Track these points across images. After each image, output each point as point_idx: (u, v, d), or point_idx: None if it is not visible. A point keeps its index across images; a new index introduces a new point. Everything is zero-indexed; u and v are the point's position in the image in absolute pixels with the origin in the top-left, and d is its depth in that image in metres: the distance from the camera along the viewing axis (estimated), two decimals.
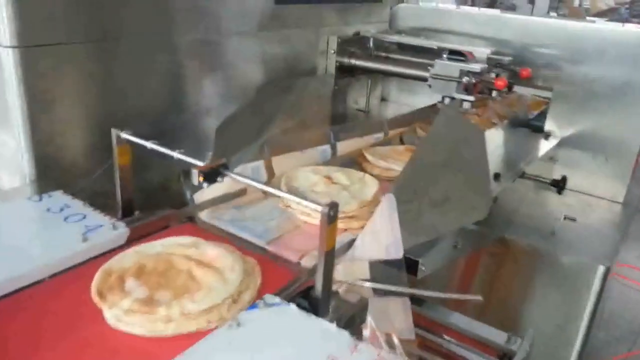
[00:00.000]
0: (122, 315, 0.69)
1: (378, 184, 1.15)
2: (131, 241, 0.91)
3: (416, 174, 0.92)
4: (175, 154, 0.84)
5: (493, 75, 1.54)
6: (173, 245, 0.85)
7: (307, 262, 0.92)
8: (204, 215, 1.04)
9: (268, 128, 1.16)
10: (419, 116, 1.58)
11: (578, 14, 6.15)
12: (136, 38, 1.15)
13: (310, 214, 1.02)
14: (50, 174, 1.06)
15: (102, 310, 0.71)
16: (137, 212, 0.99)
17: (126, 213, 0.97)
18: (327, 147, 1.28)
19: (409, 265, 0.90)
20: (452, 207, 0.90)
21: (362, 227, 0.93)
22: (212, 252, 0.83)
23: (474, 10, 1.91)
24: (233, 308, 0.73)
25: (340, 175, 1.18)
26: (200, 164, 0.78)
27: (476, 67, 1.47)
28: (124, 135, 0.90)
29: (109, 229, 0.89)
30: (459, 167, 0.95)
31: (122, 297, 0.71)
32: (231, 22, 1.34)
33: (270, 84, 1.29)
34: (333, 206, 0.69)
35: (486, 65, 1.50)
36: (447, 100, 1.56)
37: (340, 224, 0.90)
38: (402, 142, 1.53)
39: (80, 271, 0.81)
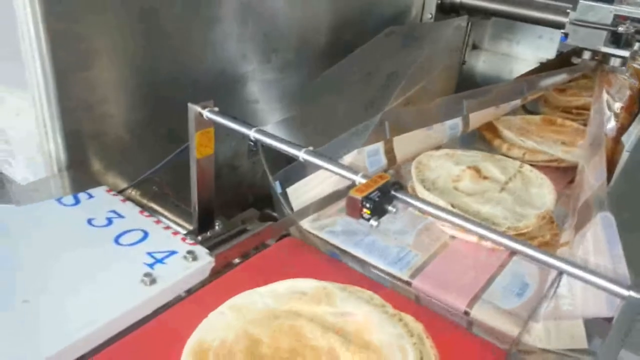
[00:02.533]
0: None
1: (549, 181, 0.81)
2: (215, 273, 0.60)
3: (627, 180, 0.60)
4: (302, 154, 0.51)
5: None
6: (291, 298, 0.53)
7: (478, 313, 0.61)
8: (307, 225, 0.72)
9: (382, 98, 0.81)
10: (547, 76, 1.21)
11: None
12: None
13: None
14: (87, 159, 0.73)
15: None
16: (217, 224, 0.67)
17: (203, 225, 0.66)
18: (457, 121, 0.93)
19: None
20: None
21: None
22: (363, 310, 0.52)
23: None
24: None
25: (490, 165, 0.85)
26: (357, 178, 0.45)
27: (639, 11, 1.09)
28: (210, 115, 0.57)
29: (184, 260, 0.58)
30: None
31: None
32: None
33: (386, 32, 0.93)
34: None
35: None
36: (586, 55, 1.20)
37: None
38: (525, 109, 1.17)
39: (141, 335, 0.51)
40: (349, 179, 0.48)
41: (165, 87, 0.80)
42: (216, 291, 0.59)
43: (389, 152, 0.83)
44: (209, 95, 0.59)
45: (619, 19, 1.12)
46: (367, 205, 0.42)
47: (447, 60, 0.91)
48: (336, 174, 0.50)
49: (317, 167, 0.73)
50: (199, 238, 0.65)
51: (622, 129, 1.08)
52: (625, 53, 1.13)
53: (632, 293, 0.38)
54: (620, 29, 1.11)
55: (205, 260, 0.58)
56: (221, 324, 0.50)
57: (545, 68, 1.29)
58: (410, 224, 0.75)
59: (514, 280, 0.66)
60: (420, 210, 0.48)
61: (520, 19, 1.29)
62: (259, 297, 0.53)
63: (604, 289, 0.39)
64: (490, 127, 1.03)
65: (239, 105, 0.94)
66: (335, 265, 0.65)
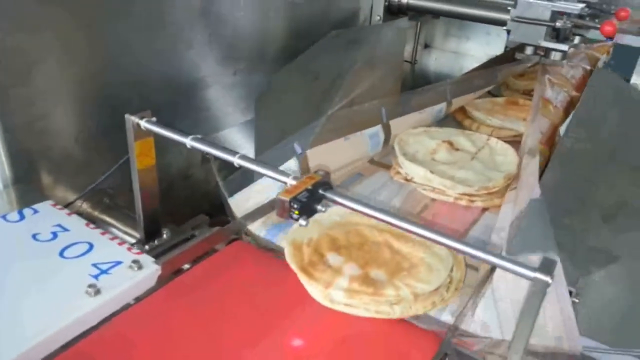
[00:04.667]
0: (342, 296, 0.60)
1: (512, 149, 0.94)
2: (163, 281, 0.61)
3: (573, 168, 0.63)
4: (236, 160, 0.53)
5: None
6: (349, 214, 0.72)
7: None
8: (256, 229, 0.74)
9: (328, 100, 0.84)
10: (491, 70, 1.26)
11: None
12: None
13: (445, 190, 0.84)
14: (32, 173, 0.74)
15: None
16: (165, 232, 0.68)
17: (150, 234, 0.67)
18: (442, 106, 1.04)
19: None
20: (633, 217, 0.61)
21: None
22: None
23: None
24: (451, 287, 0.64)
25: (462, 139, 0.99)
26: (288, 180, 0.47)
27: (575, 7, 1.14)
28: (147, 125, 0.58)
29: (129, 269, 0.59)
30: (631, 155, 0.66)
31: (333, 274, 0.62)
32: None
33: (331, 36, 0.95)
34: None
35: (584, 5, 1.17)
36: (529, 50, 1.24)
37: (479, 203, 0.83)
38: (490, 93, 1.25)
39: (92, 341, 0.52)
40: (280, 181, 0.50)
41: (114, 97, 0.80)
42: (164, 297, 0.61)
43: (387, 134, 0.93)
44: (163, 103, 0.60)
45: (557, 14, 1.17)
46: (295, 205, 0.44)
47: (391, 60, 0.94)
48: (268, 177, 0.51)
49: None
50: (146, 247, 0.66)
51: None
52: (564, 47, 1.18)
53: (537, 275, 0.41)
54: (558, 23, 1.15)
55: (151, 268, 0.59)
56: (306, 230, 0.67)
57: (493, 63, 1.34)
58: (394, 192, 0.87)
59: (486, 231, 0.76)
60: (348, 207, 0.50)
61: (465, 18, 1.34)
62: (328, 215, 0.71)
63: (512, 272, 0.42)
64: (461, 109, 1.16)
65: (195, 112, 0.95)
66: (284, 266, 0.66)
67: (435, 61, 1.71)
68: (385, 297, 0.60)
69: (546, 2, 1.16)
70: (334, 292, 0.60)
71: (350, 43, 0.89)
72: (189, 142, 0.55)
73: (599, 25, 1.13)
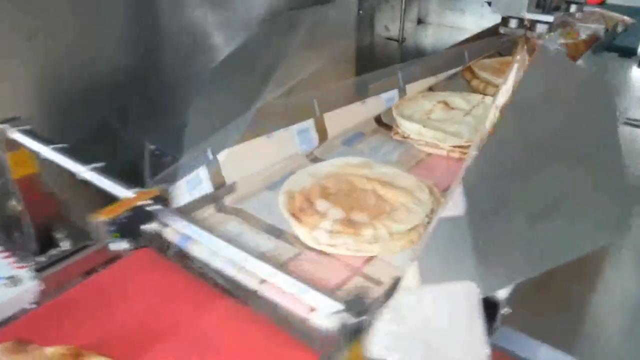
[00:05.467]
0: (326, 236, 0.65)
1: None
2: (49, 295, 0.58)
3: (499, 162, 0.55)
4: (86, 171, 0.48)
5: None
6: (345, 166, 0.80)
7: None
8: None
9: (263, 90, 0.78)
10: (481, 45, 1.16)
11: None
12: None
13: (438, 143, 0.89)
14: None
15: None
16: (61, 244, 0.65)
17: (45, 244, 0.63)
18: (394, 93, 0.97)
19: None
20: (565, 220, 0.53)
21: None
22: (390, 170, 0.79)
23: None
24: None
25: (458, 99, 1.02)
26: (128, 194, 0.42)
27: None
28: (12, 135, 0.54)
29: (3, 286, 0.56)
30: (572, 147, 0.57)
31: (319, 218, 0.68)
32: None
33: (272, 20, 0.88)
34: None
35: None
36: (513, 23, 1.13)
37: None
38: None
39: None
40: (119, 195, 0.45)
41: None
42: (41, 316, 0.57)
43: (322, 131, 0.87)
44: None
45: None
46: (112, 229, 0.40)
47: (340, 43, 0.87)
48: (106, 191, 0.47)
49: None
50: (35, 260, 0.63)
51: None
52: (549, 18, 1.06)
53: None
54: None
55: (29, 284, 0.56)
56: (301, 180, 0.76)
57: (480, 37, 1.23)
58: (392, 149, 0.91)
59: None
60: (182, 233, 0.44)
61: None
62: (323, 166, 0.80)
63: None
64: (469, 69, 1.16)
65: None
66: (187, 280, 0.62)
67: (428, 37, 1.61)
68: (364, 236, 0.65)
69: None
70: (318, 234, 0.66)
71: (292, 27, 0.82)
72: (44, 152, 0.51)
73: None
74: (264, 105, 0.77)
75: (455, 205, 0.56)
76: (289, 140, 0.82)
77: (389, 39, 1.47)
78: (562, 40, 1.27)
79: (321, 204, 0.71)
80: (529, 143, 0.58)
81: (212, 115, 0.77)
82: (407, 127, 0.91)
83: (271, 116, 0.77)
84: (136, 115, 0.92)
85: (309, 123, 0.84)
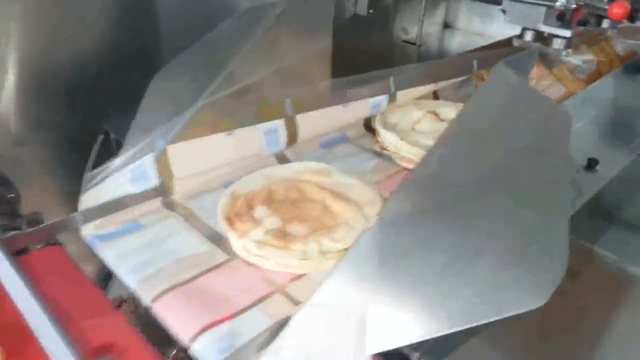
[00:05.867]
0: (254, 246, 0.61)
1: None
2: None
3: (423, 197, 0.49)
4: None
5: None
6: (304, 171, 0.75)
7: None
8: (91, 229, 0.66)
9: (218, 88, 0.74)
10: (493, 54, 1.08)
11: None
12: None
13: (414, 159, 0.81)
14: None
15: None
16: None
17: None
18: (382, 99, 0.90)
19: None
20: (485, 272, 0.46)
21: None
22: (349, 181, 0.73)
23: None
24: None
25: (450, 110, 0.92)
26: None
27: None
28: None
29: None
30: (511, 186, 0.50)
31: (253, 225, 0.63)
32: None
33: (239, 14, 0.84)
34: None
35: None
36: (529, 35, 1.04)
37: None
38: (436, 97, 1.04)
39: None
40: None
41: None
42: None
43: (292, 133, 0.81)
44: None
45: None
46: None
47: (311, 41, 0.81)
48: None
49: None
50: None
51: None
52: (567, 33, 0.97)
53: None
54: (558, 3, 0.95)
55: None
56: (253, 182, 0.71)
57: (495, 47, 1.15)
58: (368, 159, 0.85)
59: None
60: None
61: None
62: (283, 168, 0.76)
63: None
64: (482, 78, 1.05)
65: None
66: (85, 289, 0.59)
67: (451, 43, 1.52)
68: (293, 251, 0.60)
69: None
70: (247, 243, 0.61)
71: (258, 20, 0.77)
72: None
73: (607, 6, 0.92)
74: (216, 100, 0.73)
75: (370, 239, 0.50)
76: (253, 140, 0.77)
77: (406, 42, 1.39)
78: (590, 57, 1.17)
79: (260, 211, 0.66)
80: (461, 177, 0.51)
81: (166, 105, 0.73)
82: (385, 137, 0.85)
83: (227, 112, 0.73)
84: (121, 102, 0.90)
85: (279, 123, 0.79)
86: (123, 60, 0.95)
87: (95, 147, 0.82)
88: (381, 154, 0.86)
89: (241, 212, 0.66)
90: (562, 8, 0.96)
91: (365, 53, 1.25)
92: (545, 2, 0.96)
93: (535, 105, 0.56)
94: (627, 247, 0.94)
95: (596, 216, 0.93)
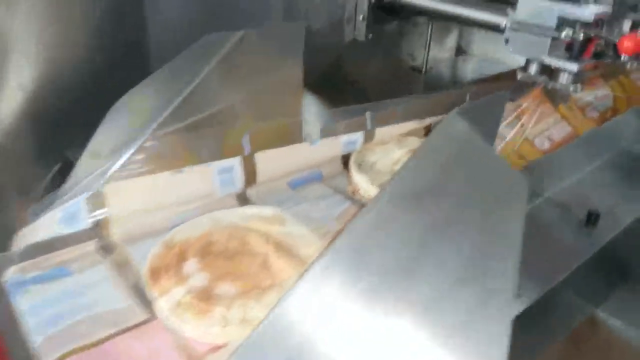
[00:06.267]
0: (172, 308, 0.54)
1: None
2: None
3: (358, 265, 0.41)
4: None
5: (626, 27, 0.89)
6: (255, 218, 0.68)
7: None
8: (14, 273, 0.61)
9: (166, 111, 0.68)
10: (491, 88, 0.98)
11: None
12: None
13: None
14: None
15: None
16: None
17: None
18: (357, 137, 0.81)
19: None
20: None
21: None
22: (302, 232, 0.66)
23: None
24: None
25: None
26: None
27: (587, 12, 0.84)
28: None
29: None
30: (453, 250, 0.41)
31: (177, 282, 0.56)
32: None
33: (200, 42, 0.77)
34: None
35: (608, 9, 0.86)
36: (533, 68, 0.95)
37: None
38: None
39: None
40: None
41: None
42: None
43: (250, 172, 0.74)
44: None
45: (568, 21, 0.87)
46: None
47: (277, 72, 0.75)
48: None
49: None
50: None
51: None
52: (573, 67, 0.87)
53: None
54: (563, 34, 0.86)
55: None
56: (195, 227, 0.65)
57: (499, 79, 1.06)
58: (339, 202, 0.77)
59: None
60: None
61: (458, 21, 1.07)
62: (232, 213, 0.69)
63: None
64: None
65: None
66: None
67: (462, 70, 1.43)
68: (212, 317, 0.53)
69: (552, 2, 0.87)
70: (165, 303, 0.55)
71: (219, 48, 0.72)
72: None
73: (617, 39, 0.82)
74: (172, 136, 0.68)
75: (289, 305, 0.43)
76: (205, 179, 0.71)
77: (413, 68, 1.31)
78: (606, 92, 1.06)
79: (190, 265, 0.60)
80: (389, 255, 0.43)
81: (115, 138, 0.68)
82: (356, 179, 0.77)
83: (176, 148, 0.67)
84: None
85: (235, 161, 0.73)
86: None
87: (48, 177, 0.78)
88: (352, 198, 0.78)
89: (171, 264, 0.60)
90: (567, 40, 0.86)
91: (367, 80, 1.18)
92: (551, 33, 0.86)
93: (485, 168, 0.47)
94: (633, 312, 0.83)
95: (599, 277, 0.83)
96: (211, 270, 0.59)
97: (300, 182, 0.82)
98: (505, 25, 0.93)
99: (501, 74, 1.07)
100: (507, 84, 0.94)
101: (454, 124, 0.50)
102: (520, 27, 0.91)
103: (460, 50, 1.44)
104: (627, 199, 0.79)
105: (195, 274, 0.58)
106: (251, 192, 0.78)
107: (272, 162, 0.77)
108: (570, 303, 0.79)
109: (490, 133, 0.74)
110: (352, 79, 1.20)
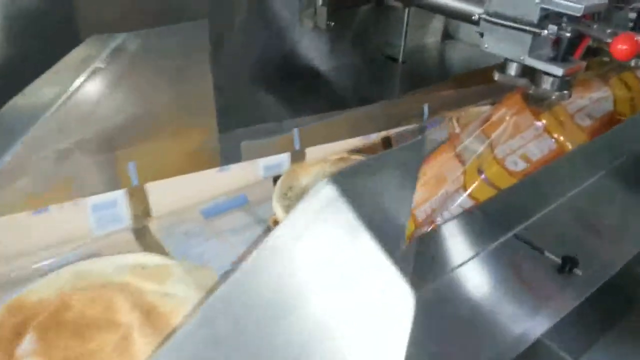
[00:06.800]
0: None
1: None
2: None
3: None
4: None
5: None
6: (135, 269, 0.54)
7: None
8: None
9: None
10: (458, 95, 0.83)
11: None
12: None
13: None
14: None
15: None
16: None
17: None
18: (282, 158, 0.68)
19: None
20: None
21: None
22: (184, 294, 0.52)
23: None
24: None
25: None
26: None
27: (577, 5, 0.67)
28: None
29: None
30: None
31: None
32: None
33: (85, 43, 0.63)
34: None
35: (603, 2, 0.69)
36: (512, 69, 0.78)
37: None
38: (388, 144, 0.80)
39: None
40: None
41: None
42: None
43: (138, 203, 0.61)
44: None
45: (552, 16, 0.70)
46: None
47: (180, 79, 0.61)
48: None
49: None
50: None
51: None
52: (558, 71, 0.71)
53: None
54: (546, 31, 0.69)
55: None
56: (53, 284, 0.52)
57: (470, 78, 0.89)
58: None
59: None
60: None
61: (428, 9, 0.90)
62: (101, 265, 0.54)
63: None
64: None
65: None
66: None
67: (449, 58, 1.26)
68: None
69: None
70: None
71: (97, 53, 0.57)
72: None
73: (610, 40, 0.65)
74: (31, 167, 0.54)
75: None
76: (75, 218, 0.58)
77: (389, 57, 1.15)
78: (606, 93, 0.89)
79: (26, 343, 0.47)
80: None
81: None
82: (275, 208, 0.64)
83: (37, 183, 0.54)
84: None
85: (117, 195, 0.59)
86: None
87: None
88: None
89: (7, 338, 0.48)
90: (552, 37, 0.70)
91: (333, 73, 1.03)
92: (533, 28, 0.70)
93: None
94: None
95: (581, 326, 0.69)
96: (51, 351, 0.46)
97: (216, 210, 0.68)
98: (480, 16, 0.77)
99: (489, 68, 0.90)
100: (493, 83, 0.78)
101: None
102: (496, 18, 0.74)
103: (447, 36, 1.27)
104: (614, 239, 0.64)
105: (28, 356, 0.46)
106: (153, 224, 0.64)
107: (175, 190, 0.63)
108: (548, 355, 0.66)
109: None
110: (315, 72, 1.05)
